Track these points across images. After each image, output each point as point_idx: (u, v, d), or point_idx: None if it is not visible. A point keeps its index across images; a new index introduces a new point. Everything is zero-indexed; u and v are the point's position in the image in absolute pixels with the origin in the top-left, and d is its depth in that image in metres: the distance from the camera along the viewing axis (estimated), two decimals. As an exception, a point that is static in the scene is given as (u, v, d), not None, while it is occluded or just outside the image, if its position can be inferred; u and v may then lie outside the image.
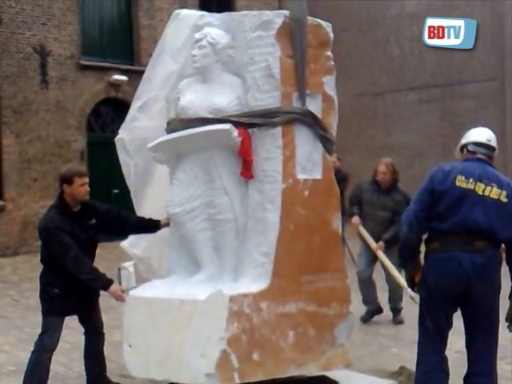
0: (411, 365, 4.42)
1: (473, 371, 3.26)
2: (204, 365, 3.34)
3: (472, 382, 3.27)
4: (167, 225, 4.02)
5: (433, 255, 3.21)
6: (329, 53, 3.88)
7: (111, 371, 4.29)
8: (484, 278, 3.15)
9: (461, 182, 3.22)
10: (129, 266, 4.43)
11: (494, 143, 3.47)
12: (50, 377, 3.90)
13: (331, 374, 3.84)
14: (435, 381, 3.13)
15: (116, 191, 11.89)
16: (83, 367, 4.21)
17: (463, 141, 3.47)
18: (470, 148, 3.41)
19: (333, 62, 3.88)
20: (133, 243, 4.37)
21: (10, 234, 11.39)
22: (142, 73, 4.43)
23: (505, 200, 3.22)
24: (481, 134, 3.47)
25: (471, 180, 3.23)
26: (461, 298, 3.19)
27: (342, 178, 7.14)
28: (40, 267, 4.02)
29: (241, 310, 3.40)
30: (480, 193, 3.21)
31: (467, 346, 3.33)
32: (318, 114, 3.76)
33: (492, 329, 3.25)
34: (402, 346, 5.15)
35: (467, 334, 3.30)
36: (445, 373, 3.19)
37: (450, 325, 3.28)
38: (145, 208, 4.32)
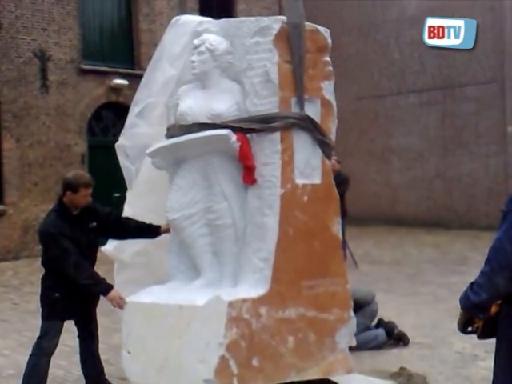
0: (411, 365, 4.44)
1: None
2: (203, 371, 3.34)
3: None
4: (167, 231, 4.00)
5: None
6: (327, 58, 3.88)
7: (111, 374, 4.30)
8: None
9: None
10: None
11: None
12: (49, 380, 3.90)
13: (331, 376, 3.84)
14: None
15: (117, 195, 11.83)
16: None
17: None
18: None
19: (331, 68, 3.88)
20: (118, 248, 4.31)
21: (10, 238, 11.40)
22: (142, 77, 4.44)
23: None
24: None
25: None
26: None
27: (341, 181, 7.13)
28: (40, 271, 4.02)
29: (240, 315, 3.40)
30: None
31: None
32: (317, 118, 3.77)
33: None
34: (402, 346, 5.15)
35: None
36: None
37: None
38: (127, 210, 4.28)
